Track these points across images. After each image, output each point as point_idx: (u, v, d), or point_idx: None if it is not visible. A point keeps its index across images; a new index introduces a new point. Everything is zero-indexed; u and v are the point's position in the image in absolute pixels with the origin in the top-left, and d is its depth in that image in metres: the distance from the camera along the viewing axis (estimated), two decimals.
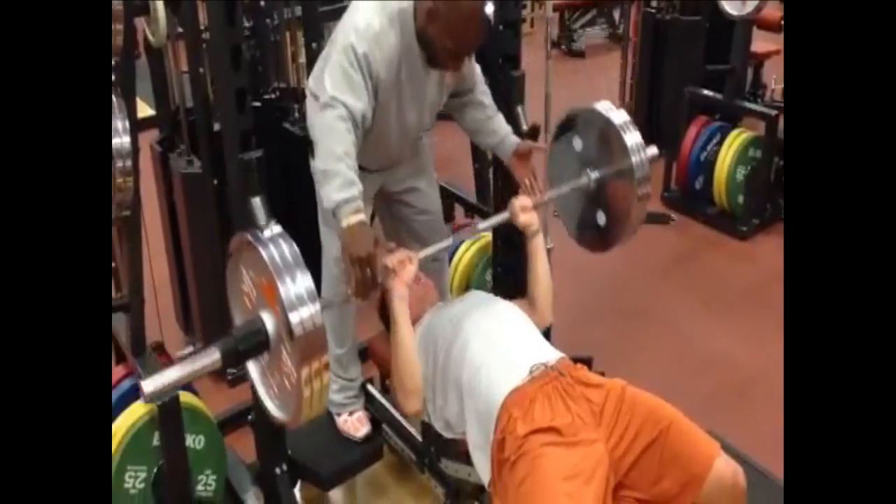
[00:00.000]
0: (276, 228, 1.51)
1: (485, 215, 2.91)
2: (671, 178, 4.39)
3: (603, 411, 1.74)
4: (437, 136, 2.78)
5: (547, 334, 2.82)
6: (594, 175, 2.19)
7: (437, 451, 2.35)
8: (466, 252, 2.93)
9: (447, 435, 1.98)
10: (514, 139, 2.23)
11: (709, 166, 4.20)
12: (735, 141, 4.10)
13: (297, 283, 1.41)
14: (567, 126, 2.24)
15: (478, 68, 2.24)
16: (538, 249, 2.11)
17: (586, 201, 2.26)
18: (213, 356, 1.47)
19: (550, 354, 1.87)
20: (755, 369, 3.11)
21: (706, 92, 4.24)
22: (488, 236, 2.86)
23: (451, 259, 2.83)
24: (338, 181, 1.78)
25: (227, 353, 1.47)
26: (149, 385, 1.44)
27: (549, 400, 1.74)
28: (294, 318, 1.39)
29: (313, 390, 1.44)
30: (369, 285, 1.76)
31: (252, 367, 1.61)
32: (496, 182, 2.68)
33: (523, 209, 2.07)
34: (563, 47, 7.01)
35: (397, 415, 2.56)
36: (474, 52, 2.07)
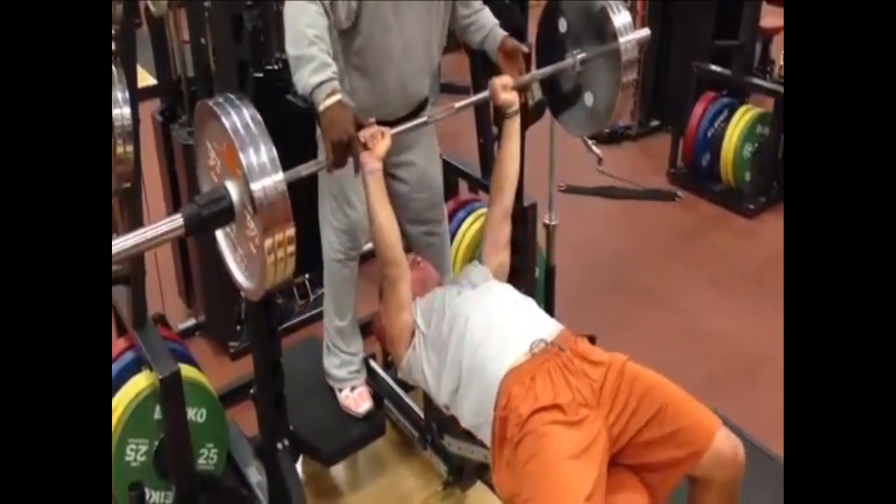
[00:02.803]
0: (238, 96, 1.48)
1: (489, 191, 2.88)
2: (677, 154, 4.36)
3: (603, 388, 1.74)
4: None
5: (550, 311, 2.82)
6: (580, 56, 2.14)
7: (439, 427, 2.35)
8: (470, 228, 2.90)
9: (449, 413, 1.97)
10: (499, 31, 2.15)
11: (716, 143, 4.16)
12: (743, 117, 4.06)
13: (260, 151, 1.40)
14: (554, 5, 2.19)
15: None
16: (514, 130, 2.08)
17: (572, 83, 2.21)
18: (176, 222, 1.46)
19: (549, 329, 1.85)
20: (760, 348, 3.10)
21: (714, 67, 4.19)
22: None
23: (454, 235, 2.81)
24: (312, 65, 1.73)
25: (190, 218, 1.45)
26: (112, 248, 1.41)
27: (551, 376, 1.73)
28: (256, 186, 1.38)
29: (277, 257, 1.43)
30: (345, 164, 1.73)
31: (221, 239, 1.60)
32: None
33: (504, 87, 2.02)
34: None
35: (400, 391, 2.56)
36: None
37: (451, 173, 2.88)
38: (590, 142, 4.14)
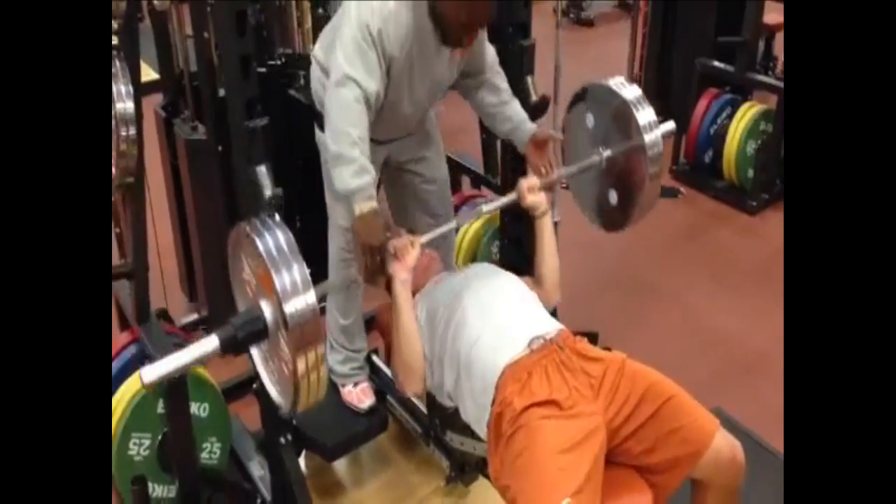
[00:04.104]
0: (273, 218, 1.55)
1: (492, 187, 2.88)
2: (680, 151, 4.35)
3: (601, 384, 1.74)
4: (444, 106, 2.75)
5: (552, 308, 2.82)
6: (606, 153, 2.15)
7: (441, 423, 2.35)
8: (473, 224, 2.91)
9: (449, 405, 1.98)
10: (529, 126, 2.18)
11: (719, 140, 4.15)
12: (746, 114, 4.06)
13: (293, 273, 1.45)
14: (579, 101, 2.21)
15: (492, 50, 2.19)
16: (546, 230, 2.09)
17: (599, 179, 2.23)
18: (212, 344, 1.52)
19: (549, 327, 1.85)
20: (761, 345, 3.10)
21: (717, 64, 4.18)
22: None
23: (457, 230, 2.81)
24: (353, 167, 1.80)
25: (226, 340, 1.52)
26: (148, 374, 1.48)
27: (547, 373, 1.74)
28: (289, 308, 1.43)
29: (310, 379, 1.48)
30: (379, 272, 1.82)
31: (254, 352, 1.66)
32: (504, 153, 2.65)
33: (531, 189, 2.05)
34: (572, 16, 6.91)
35: None
36: (486, 25, 2.03)
37: (454, 170, 2.89)
38: None
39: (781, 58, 4.99)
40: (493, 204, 2.13)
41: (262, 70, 2.84)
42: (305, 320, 1.44)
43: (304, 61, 2.94)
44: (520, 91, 2.40)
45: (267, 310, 1.52)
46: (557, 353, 1.77)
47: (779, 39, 4.99)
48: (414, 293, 2.01)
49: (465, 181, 3.11)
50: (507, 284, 2.00)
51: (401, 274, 1.85)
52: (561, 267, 2.14)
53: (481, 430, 1.82)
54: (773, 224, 3.98)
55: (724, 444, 1.71)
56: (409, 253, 1.86)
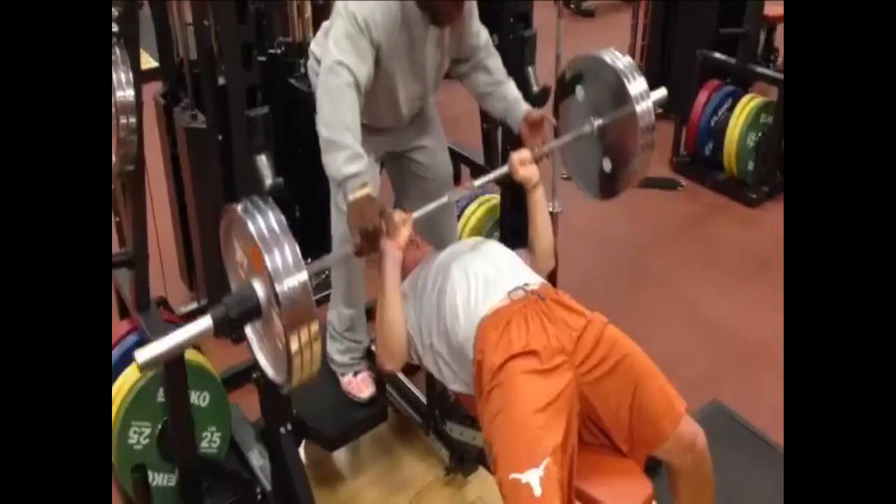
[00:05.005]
0: (262, 199, 1.54)
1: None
2: (681, 143, 4.34)
3: (581, 337, 1.77)
4: (444, 97, 2.74)
5: (546, 276, 2.83)
6: (598, 122, 2.15)
7: (441, 413, 2.36)
8: (474, 214, 2.90)
9: (440, 378, 1.99)
10: (523, 105, 2.19)
11: (719, 131, 4.15)
12: (746, 106, 4.05)
13: (284, 252, 1.45)
14: (572, 74, 2.21)
15: (484, 32, 2.19)
16: (538, 202, 2.10)
17: (591, 148, 2.23)
18: (205, 323, 1.52)
19: (531, 279, 1.88)
20: (762, 337, 3.10)
21: (718, 55, 4.17)
22: (496, 199, 2.83)
23: (459, 215, 2.81)
24: (345, 154, 1.79)
25: (219, 319, 1.51)
26: (142, 355, 1.48)
27: (526, 321, 1.76)
28: (280, 286, 1.43)
29: (303, 355, 1.48)
30: (372, 250, 1.80)
31: (249, 330, 1.65)
32: (504, 143, 2.64)
33: (522, 163, 2.06)
34: (572, 7, 6.89)
35: (402, 375, 2.56)
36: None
37: (455, 160, 2.87)
38: None
39: (782, 50, 4.98)
40: (484, 178, 2.12)
41: (262, 59, 2.83)
42: (297, 298, 1.44)
43: (303, 50, 2.93)
44: (521, 81, 2.40)
45: (259, 288, 1.51)
46: (538, 303, 1.80)
47: (780, 31, 4.98)
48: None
49: (465, 171, 3.10)
50: (490, 246, 2.03)
51: (392, 251, 1.85)
52: (561, 258, 2.15)
53: (470, 386, 1.84)
54: (773, 216, 3.98)
55: (686, 428, 1.74)
56: (399, 230, 1.85)
